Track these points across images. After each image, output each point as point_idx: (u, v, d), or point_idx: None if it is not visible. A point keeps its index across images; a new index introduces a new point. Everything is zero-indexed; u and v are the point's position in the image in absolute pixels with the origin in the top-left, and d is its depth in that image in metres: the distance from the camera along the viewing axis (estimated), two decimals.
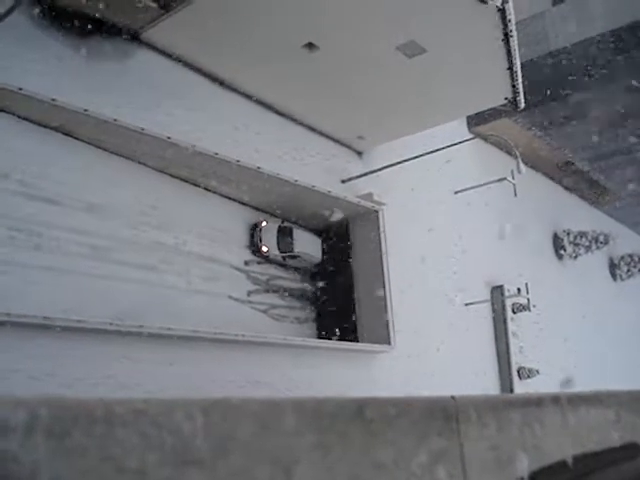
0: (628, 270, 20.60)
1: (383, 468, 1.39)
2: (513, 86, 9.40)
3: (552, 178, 17.82)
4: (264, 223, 9.89)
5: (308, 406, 1.34)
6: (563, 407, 2.12)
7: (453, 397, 1.71)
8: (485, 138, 14.03)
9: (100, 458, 0.98)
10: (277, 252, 9.95)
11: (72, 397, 1.02)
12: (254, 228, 9.83)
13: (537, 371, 14.09)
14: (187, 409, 1.09)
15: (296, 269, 10.44)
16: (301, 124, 10.62)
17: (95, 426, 0.98)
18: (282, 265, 10.24)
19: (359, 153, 11.71)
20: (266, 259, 9.98)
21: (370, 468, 1.37)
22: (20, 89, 6.61)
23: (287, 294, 10.22)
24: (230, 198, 9.48)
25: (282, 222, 10.09)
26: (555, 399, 2.15)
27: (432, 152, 10.83)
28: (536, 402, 2.15)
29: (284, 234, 10.03)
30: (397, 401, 1.58)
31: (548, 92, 13.73)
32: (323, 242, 10.70)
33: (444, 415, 1.63)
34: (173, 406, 1.10)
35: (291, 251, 10.03)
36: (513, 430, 1.89)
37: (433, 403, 1.66)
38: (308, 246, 10.30)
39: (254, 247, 9.79)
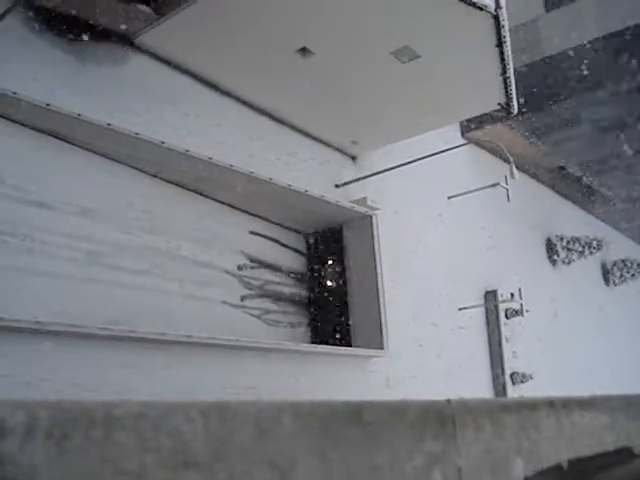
0: (621, 275, 20.67)
1: (380, 471, 1.39)
2: (506, 92, 9.43)
3: (545, 183, 17.88)
4: None
5: (306, 409, 1.34)
6: (558, 411, 2.13)
7: (449, 400, 1.71)
8: (479, 144, 14.09)
9: (99, 460, 0.98)
10: None
11: (71, 400, 1.02)
12: None
13: (530, 376, 14.12)
14: (186, 412, 1.09)
15: (289, 274, 10.45)
16: (295, 129, 10.63)
17: (94, 429, 0.98)
18: (277, 270, 10.29)
19: (353, 158, 11.73)
20: None
21: (367, 471, 1.37)
22: (14, 93, 6.60)
23: (281, 299, 10.23)
24: (223, 203, 9.48)
25: None
26: (550, 403, 2.16)
27: (426, 157, 10.87)
28: (531, 406, 2.15)
29: None
30: (394, 404, 1.58)
31: (541, 98, 13.79)
32: (317, 247, 10.75)
33: (440, 418, 1.63)
34: (172, 409, 1.10)
35: None
36: (508, 434, 1.89)
37: (429, 406, 1.66)
38: None
39: None
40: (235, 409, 1.17)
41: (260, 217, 10.04)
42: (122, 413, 1.01)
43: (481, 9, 7.82)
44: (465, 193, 13.07)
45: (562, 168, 17.00)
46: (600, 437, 2.37)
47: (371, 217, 10.35)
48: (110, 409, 1.00)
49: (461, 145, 12.50)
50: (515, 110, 9.78)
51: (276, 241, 10.31)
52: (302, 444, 1.25)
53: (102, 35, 8.00)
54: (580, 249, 17.86)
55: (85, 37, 7.79)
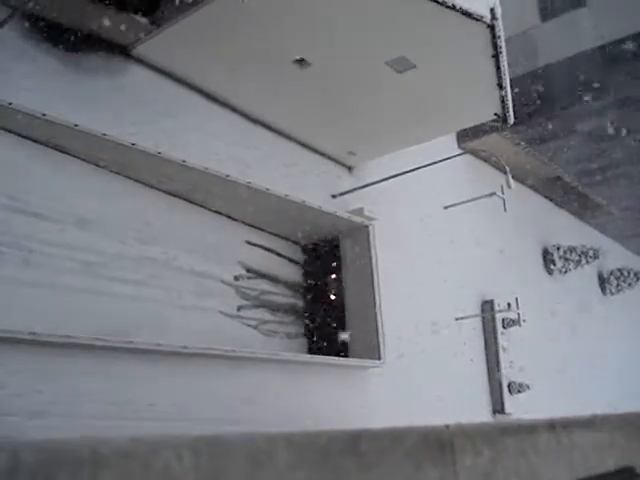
0: (618, 285, 20.67)
1: None
2: (503, 102, 9.43)
3: (542, 193, 17.88)
4: None
5: (300, 440, 1.30)
6: (558, 433, 2.10)
7: (447, 426, 1.68)
8: (475, 153, 14.09)
9: None
10: None
11: (57, 439, 0.98)
12: None
13: (527, 386, 14.08)
14: (175, 448, 1.06)
15: (286, 284, 10.42)
16: (292, 140, 10.62)
17: (81, 469, 0.95)
18: (274, 280, 10.26)
19: (350, 168, 11.72)
20: None
21: None
22: (10, 104, 6.58)
23: (278, 309, 10.19)
24: (221, 213, 9.46)
25: None
26: (550, 425, 2.12)
27: (422, 167, 10.85)
28: (530, 429, 2.12)
29: None
30: (391, 432, 1.55)
31: (538, 108, 13.80)
32: (314, 257, 10.73)
33: (438, 445, 1.60)
34: (161, 445, 1.06)
35: None
36: (507, 457, 1.86)
37: (427, 433, 1.63)
38: None
39: None
40: (227, 443, 1.14)
41: (257, 227, 10.01)
42: (109, 451, 0.97)
43: (477, 20, 7.83)
44: (461, 203, 13.06)
45: (558, 178, 17.00)
46: (601, 457, 2.33)
47: (368, 227, 10.32)
48: (97, 447, 0.97)
49: (457, 155, 12.49)
50: (512, 120, 9.77)
51: (273, 251, 10.29)
52: (297, 476, 1.22)
53: (99, 46, 8.00)
54: (577, 258, 17.87)
55: (82, 48, 7.78)
